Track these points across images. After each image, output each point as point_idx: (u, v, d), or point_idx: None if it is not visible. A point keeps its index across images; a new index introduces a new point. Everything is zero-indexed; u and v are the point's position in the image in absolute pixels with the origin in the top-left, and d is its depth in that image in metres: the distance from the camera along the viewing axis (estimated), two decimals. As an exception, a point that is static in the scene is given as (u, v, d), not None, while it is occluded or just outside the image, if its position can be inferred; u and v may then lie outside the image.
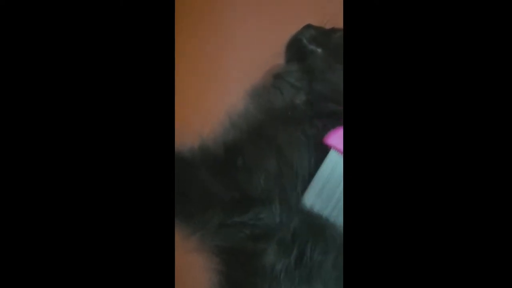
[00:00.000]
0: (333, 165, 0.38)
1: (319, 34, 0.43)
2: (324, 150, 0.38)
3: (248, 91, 0.44)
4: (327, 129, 0.39)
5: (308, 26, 0.44)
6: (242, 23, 0.49)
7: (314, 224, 0.38)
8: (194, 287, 0.41)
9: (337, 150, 0.38)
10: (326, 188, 0.38)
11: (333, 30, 0.44)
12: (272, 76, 0.43)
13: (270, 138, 0.40)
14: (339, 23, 0.42)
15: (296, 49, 0.44)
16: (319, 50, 0.42)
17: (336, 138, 0.38)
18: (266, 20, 0.49)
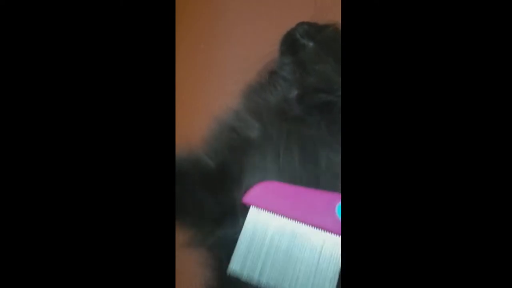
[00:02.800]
0: (255, 223, 0.36)
1: (312, 29, 0.45)
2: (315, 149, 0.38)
3: (243, 91, 0.44)
4: (320, 126, 0.39)
5: (302, 23, 0.46)
6: (237, 23, 0.51)
7: None
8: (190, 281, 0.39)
9: (256, 206, 0.37)
10: (251, 251, 0.35)
11: (326, 26, 0.46)
12: (268, 73, 0.44)
13: (262, 147, 0.39)
14: (333, 18, 0.44)
15: (289, 44, 0.45)
16: (311, 43, 0.44)
17: (252, 196, 0.37)
18: (261, 18, 0.51)
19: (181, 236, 0.39)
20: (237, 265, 0.35)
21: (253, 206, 0.37)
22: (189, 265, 0.40)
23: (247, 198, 0.38)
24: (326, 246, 0.35)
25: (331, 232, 0.35)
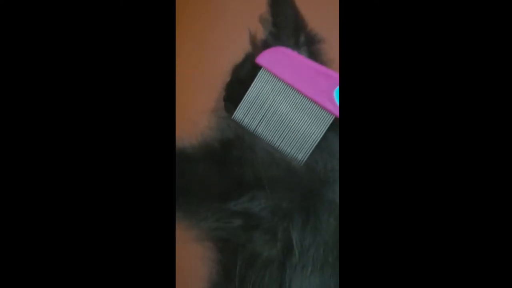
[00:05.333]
0: (263, 83, 0.42)
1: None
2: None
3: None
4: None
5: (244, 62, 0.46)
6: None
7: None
8: (191, 275, 0.44)
9: (267, 68, 0.42)
10: (255, 104, 0.42)
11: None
12: None
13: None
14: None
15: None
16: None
17: (265, 58, 0.42)
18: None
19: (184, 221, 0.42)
20: (241, 113, 0.43)
21: (264, 68, 0.43)
22: (190, 259, 0.43)
23: (259, 59, 0.43)
24: (317, 118, 0.41)
25: (326, 110, 0.41)
